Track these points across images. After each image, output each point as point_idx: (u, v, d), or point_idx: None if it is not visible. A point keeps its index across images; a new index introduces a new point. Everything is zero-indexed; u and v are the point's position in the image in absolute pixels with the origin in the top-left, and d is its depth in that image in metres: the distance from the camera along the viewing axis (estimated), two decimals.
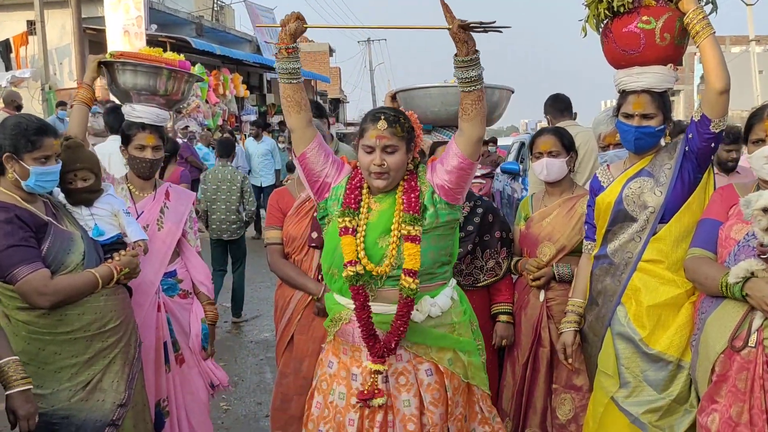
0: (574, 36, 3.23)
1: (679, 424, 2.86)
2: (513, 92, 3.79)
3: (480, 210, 3.63)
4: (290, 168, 12.20)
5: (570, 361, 3.22)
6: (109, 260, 2.93)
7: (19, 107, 9.82)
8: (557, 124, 5.20)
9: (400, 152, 2.69)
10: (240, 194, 7.51)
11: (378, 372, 2.65)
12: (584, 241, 3.32)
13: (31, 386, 2.50)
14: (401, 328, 2.63)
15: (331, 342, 2.88)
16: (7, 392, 2.45)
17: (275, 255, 3.71)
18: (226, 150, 7.89)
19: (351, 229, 2.71)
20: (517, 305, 3.61)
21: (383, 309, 2.68)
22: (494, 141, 14.52)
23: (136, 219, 3.39)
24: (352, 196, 2.76)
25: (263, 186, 12.61)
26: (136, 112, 3.47)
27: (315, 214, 3.61)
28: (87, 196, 3.06)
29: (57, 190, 3.08)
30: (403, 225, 2.66)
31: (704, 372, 2.61)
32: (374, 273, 2.66)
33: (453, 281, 2.87)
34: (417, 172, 2.78)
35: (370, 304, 2.66)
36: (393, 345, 2.64)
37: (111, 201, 3.14)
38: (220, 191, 7.50)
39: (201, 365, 3.59)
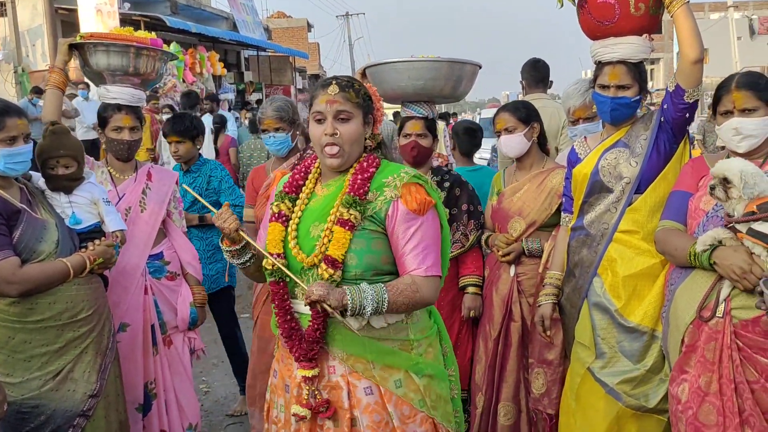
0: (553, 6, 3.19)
1: (653, 393, 2.89)
2: (480, 67, 3.77)
3: (447, 184, 3.64)
4: (253, 130, 12.06)
5: (548, 333, 3.23)
6: (83, 249, 2.88)
7: None
8: (527, 95, 5.18)
9: (355, 121, 2.33)
10: None
11: (306, 378, 2.29)
12: (562, 213, 3.32)
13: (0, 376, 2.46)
14: (317, 331, 2.25)
15: (278, 350, 2.50)
16: None
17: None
18: (254, 127, 9.41)
19: (282, 216, 2.39)
20: (488, 280, 3.62)
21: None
22: (454, 115, 14.74)
23: (118, 202, 3.36)
24: (293, 180, 2.46)
25: None
26: (110, 93, 3.43)
27: None
28: (67, 184, 3.02)
29: (38, 176, 3.04)
30: (340, 208, 2.29)
31: (675, 343, 2.62)
32: (304, 265, 2.29)
33: None
34: (379, 158, 2.40)
35: (292, 302, 2.35)
36: (313, 349, 2.27)
37: (91, 189, 3.10)
38: (253, 158, 8.59)
39: (185, 333, 3.63)
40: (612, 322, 2.96)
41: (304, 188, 2.44)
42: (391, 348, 2.31)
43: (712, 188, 2.46)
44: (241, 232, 2.37)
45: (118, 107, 3.41)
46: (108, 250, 2.96)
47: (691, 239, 2.57)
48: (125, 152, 3.45)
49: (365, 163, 2.35)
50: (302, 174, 2.47)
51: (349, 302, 2.17)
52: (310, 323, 2.26)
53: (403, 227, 2.27)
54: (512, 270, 3.50)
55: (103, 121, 3.44)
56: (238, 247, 2.40)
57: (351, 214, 2.25)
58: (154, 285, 3.45)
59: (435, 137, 3.70)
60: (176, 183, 3.70)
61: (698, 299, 2.51)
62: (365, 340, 2.28)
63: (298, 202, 2.41)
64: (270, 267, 2.34)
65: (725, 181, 2.42)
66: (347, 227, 2.25)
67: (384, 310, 2.21)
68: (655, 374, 2.88)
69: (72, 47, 3.41)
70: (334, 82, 2.36)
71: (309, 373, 2.29)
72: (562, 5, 3.14)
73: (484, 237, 3.65)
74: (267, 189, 3.63)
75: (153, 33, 3.64)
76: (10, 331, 2.74)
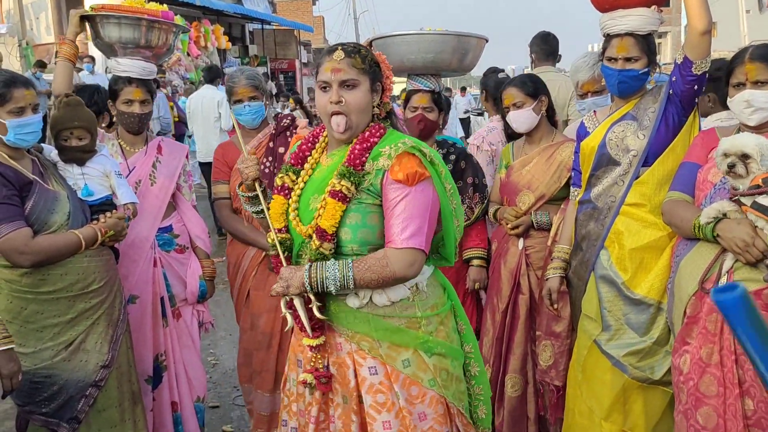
0: None
1: (659, 365, 2.91)
2: (487, 41, 3.76)
3: (453, 157, 3.65)
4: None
5: (555, 306, 3.25)
6: (95, 222, 2.91)
7: None
8: (536, 69, 5.16)
9: (362, 89, 2.23)
10: None
11: (311, 347, 2.28)
12: (571, 187, 3.32)
13: (14, 345, 2.50)
14: (309, 304, 2.22)
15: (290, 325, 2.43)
16: None
17: (225, 210, 3.68)
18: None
19: (285, 188, 2.36)
20: (496, 253, 3.63)
21: None
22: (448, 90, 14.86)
23: (128, 175, 3.37)
24: (299, 151, 2.41)
25: None
26: (121, 66, 3.41)
27: (261, 167, 3.61)
28: (80, 155, 3.03)
29: (50, 148, 3.05)
30: (333, 179, 2.21)
31: (679, 315, 2.63)
32: (303, 236, 2.27)
33: (425, 269, 2.30)
34: (387, 127, 2.31)
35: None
36: (312, 318, 2.24)
37: (103, 162, 3.11)
38: None
39: (194, 306, 3.65)
40: (618, 294, 2.97)
41: (309, 159, 2.38)
42: (398, 326, 2.23)
43: (732, 166, 2.42)
44: (256, 185, 2.42)
45: (129, 80, 3.39)
46: (119, 223, 2.97)
47: (696, 211, 2.57)
48: (136, 125, 3.44)
49: (368, 133, 2.26)
50: (309, 145, 2.42)
51: (306, 281, 2.15)
52: (306, 294, 2.23)
53: (389, 197, 2.19)
54: (521, 243, 3.51)
55: (113, 93, 3.43)
56: (251, 194, 2.45)
57: (342, 185, 2.17)
58: (163, 258, 3.47)
59: (441, 110, 3.70)
60: (186, 157, 3.70)
61: (701, 271, 2.52)
62: (370, 317, 2.22)
63: (302, 173, 2.36)
64: (272, 241, 2.32)
65: (744, 157, 2.41)
66: (338, 198, 2.18)
67: (350, 286, 2.15)
68: (661, 346, 2.90)
69: (83, 19, 3.39)
70: (339, 47, 2.27)
71: (313, 342, 2.27)
72: None
73: (492, 210, 3.66)
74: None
75: (163, 5, 3.62)
76: (23, 301, 2.77)
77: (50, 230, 2.77)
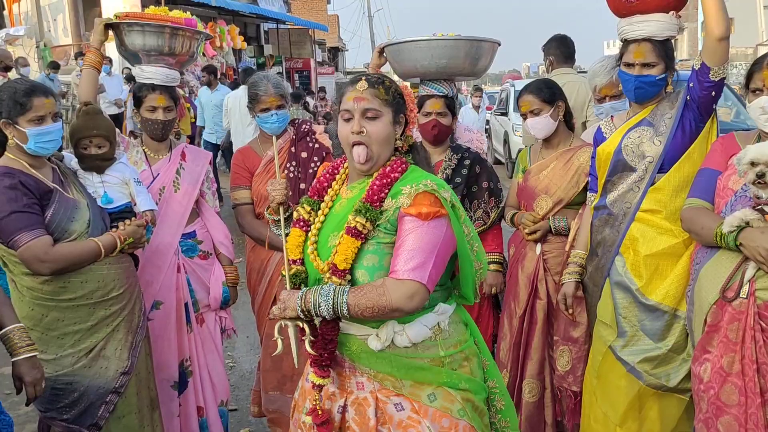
0: None
1: (675, 372, 2.90)
2: (499, 45, 3.75)
3: (467, 161, 3.64)
4: (295, 97, 12.55)
5: (570, 311, 3.25)
6: (114, 229, 2.93)
7: (7, 68, 9.65)
8: (555, 71, 5.14)
9: (384, 120, 2.20)
10: None
11: (316, 386, 2.22)
12: (588, 192, 3.32)
13: (37, 353, 2.54)
14: (328, 345, 2.16)
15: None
16: (13, 359, 2.49)
17: (248, 215, 3.68)
18: (296, 98, 10.45)
19: (301, 221, 2.33)
20: (514, 258, 3.63)
21: None
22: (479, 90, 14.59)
23: (152, 181, 3.40)
24: (318, 183, 2.38)
25: (218, 143, 11.07)
26: (145, 73, 3.45)
27: (286, 172, 3.61)
28: (99, 163, 3.07)
29: (70, 157, 3.09)
30: (350, 215, 2.16)
31: (699, 322, 2.63)
32: (319, 272, 2.21)
33: (443, 308, 2.23)
34: (410, 162, 2.26)
35: None
36: (322, 355, 2.18)
37: (122, 169, 3.15)
38: None
39: (217, 312, 3.66)
40: (633, 300, 2.97)
41: (329, 190, 2.35)
42: (421, 364, 2.17)
43: (761, 176, 2.39)
44: (281, 209, 2.46)
45: (153, 87, 3.43)
46: (138, 230, 3.00)
47: (717, 219, 2.56)
48: (159, 132, 3.47)
49: (389, 168, 2.20)
50: (328, 176, 2.39)
51: (298, 304, 2.12)
52: (319, 329, 2.18)
53: (401, 230, 2.12)
54: (538, 248, 3.50)
55: (137, 100, 3.46)
56: (277, 217, 2.47)
57: (357, 221, 2.12)
58: (186, 264, 3.49)
59: (454, 115, 3.70)
60: (210, 163, 3.72)
61: (722, 279, 2.51)
62: (392, 357, 2.16)
63: (322, 205, 2.32)
64: (287, 273, 2.28)
65: (753, 165, 2.40)
66: (352, 235, 2.13)
67: (344, 312, 2.07)
68: (677, 354, 2.89)
69: (108, 27, 3.43)
70: (363, 78, 2.25)
71: (318, 381, 2.21)
72: None
73: (509, 215, 3.66)
74: (270, 163, 3.63)
75: (187, 12, 3.63)
76: (44, 309, 2.81)
77: (70, 238, 2.81)
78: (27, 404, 2.59)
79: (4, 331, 2.48)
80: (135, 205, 3.15)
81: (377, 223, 2.14)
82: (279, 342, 2.22)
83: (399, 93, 2.28)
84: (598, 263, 3.14)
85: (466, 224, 2.21)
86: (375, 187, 2.17)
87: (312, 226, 2.30)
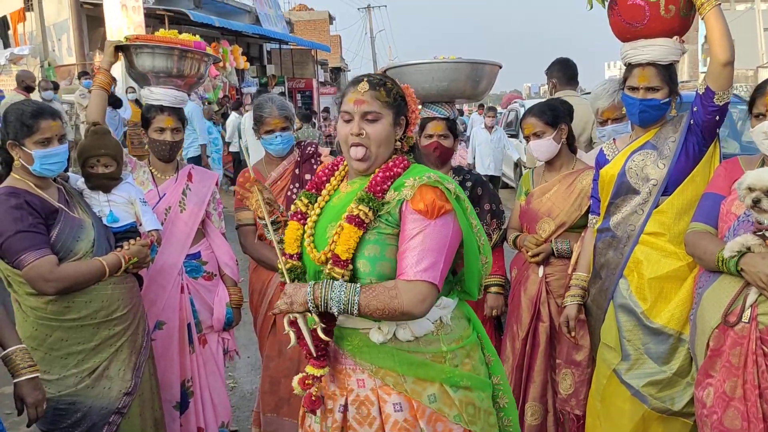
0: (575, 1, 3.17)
1: (679, 396, 2.89)
2: (500, 67, 3.77)
3: (469, 183, 3.65)
4: (305, 117, 13.58)
5: (573, 334, 3.24)
6: (119, 249, 2.94)
7: (29, 88, 9.72)
8: (558, 93, 5.16)
9: (384, 122, 2.19)
10: None
11: (314, 377, 2.21)
12: (590, 215, 3.32)
13: (38, 374, 2.53)
14: (327, 334, 2.16)
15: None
16: (15, 380, 2.48)
17: (250, 236, 3.68)
18: (306, 117, 11.44)
19: (299, 214, 2.32)
20: (516, 280, 3.63)
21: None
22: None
23: (158, 201, 3.42)
24: (316, 178, 2.39)
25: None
26: (154, 95, 3.49)
27: (288, 193, 3.61)
28: (106, 183, 3.10)
29: (76, 177, 3.11)
30: (352, 204, 2.16)
31: (701, 346, 2.62)
32: (316, 263, 2.20)
33: (445, 301, 2.24)
34: (410, 161, 2.25)
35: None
36: (319, 348, 2.19)
37: (128, 189, 3.18)
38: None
39: (219, 333, 3.67)
40: (638, 324, 2.96)
41: (327, 185, 2.34)
42: (423, 360, 2.16)
43: (756, 201, 2.41)
44: (266, 216, 2.42)
45: (161, 108, 3.47)
46: (143, 250, 3.01)
47: (720, 243, 2.56)
48: (167, 153, 3.50)
49: (391, 163, 2.21)
50: (327, 172, 2.39)
51: (309, 298, 2.09)
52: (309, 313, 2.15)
53: (407, 228, 2.11)
54: (541, 270, 3.51)
55: (146, 121, 3.50)
56: (263, 222, 2.45)
57: (360, 209, 2.11)
58: (190, 284, 3.51)
59: (456, 137, 3.71)
60: (216, 184, 3.74)
61: (725, 304, 2.51)
62: (394, 351, 2.15)
63: (319, 199, 2.32)
64: (283, 267, 2.26)
65: (751, 191, 2.41)
66: (355, 223, 2.11)
67: (353, 311, 2.07)
68: (681, 377, 2.89)
69: (118, 49, 3.47)
70: (365, 79, 2.24)
71: (317, 372, 2.20)
72: (591, 7, 3.14)
73: (512, 237, 3.66)
74: (273, 185, 3.64)
75: (182, 33, 3.67)
76: (48, 329, 2.81)
77: (75, 257, 2.82)
78: (28, 425, 2.58)
79: (6, 351, 2.49)
80: (140, 225, 3.16)
81: (379, 213, 2.14)
82: (291, 335, 2.21)
83: (401, 95, 2.27)
84: (602, 286, 3.13)
85: (472, 216, 2.21)
86: (378, 178, 2.17)
87: (308, 219, 2.29)
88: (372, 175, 2.22)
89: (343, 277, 2.12)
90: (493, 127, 12.48)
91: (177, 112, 3.51)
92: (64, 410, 2.81)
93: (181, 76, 3.48)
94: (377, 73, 2.35)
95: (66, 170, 3.05)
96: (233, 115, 14.00)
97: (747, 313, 2.46)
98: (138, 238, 3.07)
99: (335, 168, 2.40)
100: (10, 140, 2.77)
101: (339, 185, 2.34)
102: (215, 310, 3.59)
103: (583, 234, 3.42)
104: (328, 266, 2.14)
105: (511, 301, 3.64)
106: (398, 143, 2.27)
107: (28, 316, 2.81)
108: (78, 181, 3.10)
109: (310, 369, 2.22)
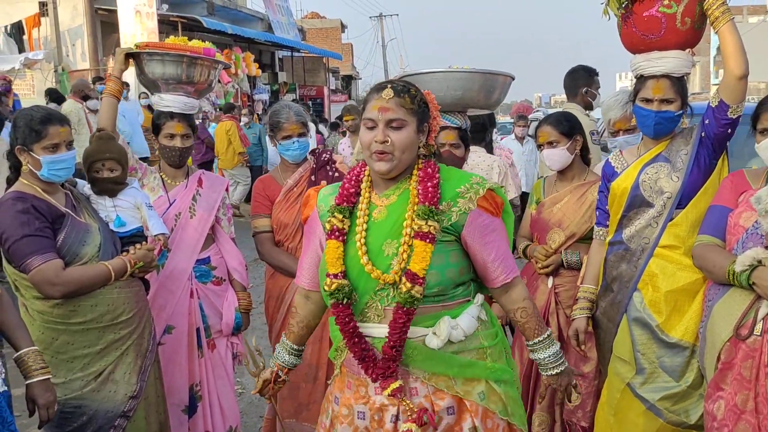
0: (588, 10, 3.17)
1: (694, 409, 2.87)
2: (513, 79, 3.77)
3: None
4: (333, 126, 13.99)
5: (582, 347, 3.23)
6: (125, 253, 2.96)
7: (86, 97, 9.83)
8: (565, 105, 5.16)
9: (408, 129, 2.18)
10: None
11: (395, 391, 2.17)
12: (595, 227, 3.29)
13: (50, 376, 2.54)
14: (394, 348, 2.14)
15: (337, 375, 2.40)
16: (27, 381, 2.49)
17: (267, 243, 3.69)
18: (334, 126, 11.57)
19: (340, 231, 2.25)
20: None
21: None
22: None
23: (168, 207, 3.44)
24: (343, 190, 2.31)
25: None
26: (164, 101, 3.51)
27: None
28: (112, 187, 3.11)
29: (83, 183, 3.13)
30: (415, 220, 2.16)
31: (711, 359, 2.61)
32: (381, 281, 2.17)
33: (480, 297, 2.33)
34: (435, 163, 2.28)
35: (360, 324, 2.22)
36: (390, 367, 2.17)
37: (134, 194, 3.19)
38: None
39: (228, 338, 3.67)
40: (652, 337, 2.94)
41: (360, 198, 2.30)
42: (470, 360, 2.22)
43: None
44: None
45: (171, 115, 3.48)
46: (149, 254, 3.02)
47: (729, 257, 2.55)
48: (177, 159, 3.51)
49: (429, 169, 2.23)
50: (353, 183, 2.33)
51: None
52: (387, 340, 2.15)
53: (482, 236, 2.21)
54: (550, 281, 3.50)
55: (156, 128, 3.51)
56: None
57: (430, 226, 2.13)
58: (200, 289, 3.51)
59: (467, 147, 3.71)
60: (226, 190, 3.75)
61: (736, 317, 2.50)
62: (446, 356, 2.19)
63: (359, 213, 2.26)
64: (329, 288, 2.21)
65: None
66: (428, 240, 2.14)
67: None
68: (695, 390, 2.87)
69: (128, 56, 3.49)
70: (389, 86, 2.22)
71: (395, 385, 2.17)
72: (609, 18, 3.13)
73: (522, 246, 3.65)
74: (290, 191, 3.65)
75: (193, 41, 3.69)
76: (54, 332, 2.82)
77: (81, 262, 2.83)
78: (39, 427, 2.59)
79: (19, 353, 2.50)
80: (147, 229, 3.17)
81: (443, 225, 2.19)
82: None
83: (424, 101, 2.26)
84: (614, 299, 3.10)
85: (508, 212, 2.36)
86: (429, 189, 2.19)
87: (354, 236, 2.24)
88: (410, 184, 2.24)
89: (421, 294, 2.13)
90: (524, 138, 11.05)
91: (187, 119, 3.52)
92: (69, 413, 2.81)
93: (190, 83, 3.50)
94: (400, 80, 2.34)
95: (75, 175, 3.07)
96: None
97: (759, 326, 2.45)
98: (144, 242, 3.08)
99: (359, 177, 2.35)
100: (18, 145, 2.79)
101: (370, 197, 2.31)
102: (224, 315, 3.60)
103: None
104: (405, 285, 2.12)
105: None
106: (421, 149, 2.27)
107: (35, 319, 2.82)
108: (85, 186, 3.12)
109: (387, 391, 2.19)
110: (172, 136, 3.47)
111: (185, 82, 3.48)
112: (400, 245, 2.17)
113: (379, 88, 2.25)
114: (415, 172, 2.26)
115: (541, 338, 2.31)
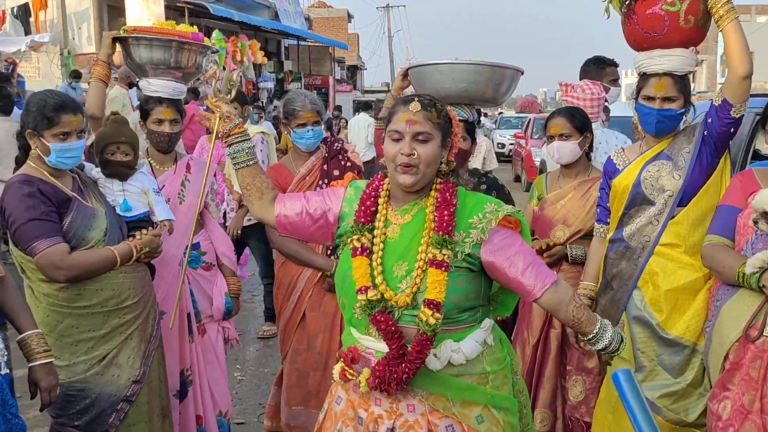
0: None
1: (693, 407, 2.88)
2: (522, 73, 3.78)
3: (484, 186, 3.63)
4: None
5: (581, 344, 3.24)
6: (131, 238, 2.97)
7: (131, 84, 9.88)
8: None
9: (434, 143, 2.20)
10: None
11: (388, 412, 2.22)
12: (596, 224, 3.29)
13: (53, 359, 2.55)
14: (408, 373, 2.14)
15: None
16: (30, 364, 2.51)
17: None
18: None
19: (365, 249, 2.25)
20: None
21: None
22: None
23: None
24: (365, 207, 2.31)
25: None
26: (152, 86, 3.48)
27: (318, 189, 3.60)
28: (123, 171, 3.11)
29: (91, 166, 3.13)
30: (430, 248, 2.17)
31: (717, 359, 2.62)
32: (392, 302, 2.18)
33: (488, 322, 2.32)
34: (453, 183, 2.29)
35: (371, 339, 2.24)
36: (393, 386, 2.15)
37: (142, 179, 3.19)
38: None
39: (219, 322, 3.68)
40: (652, 335, 2.95)
41: (378, 215, 2.30)
42: (469, 383, 2.22)
43: (755, 222, 2.46)
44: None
45: (160, 100, 3.46)
46: (155, 240, 3.03)
47: (739, 258, 2.56)
48: (165, 144, 3.50)
49: (447, 194, 2.23)
50: (372, 199, 2.32)
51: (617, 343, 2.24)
52: (413, 346, 2.15)
53: (504, 258, 2.20)
54: None
55: (144, 113, 3.50)
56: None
57: (445, 254, 2.15)
58: (189, 274, 3.50)
59: (474, 140, 3.72)
60: (214, 176, 3.75)
61: (745, 318, 2.50)
62: (446, 377, 2.20)
63: (377, 232, 2.27)
64: (365, 299, 2.19)
65: (766, 215, 2.43)
66: (443, 268, 2.14)
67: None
68: (695, 388, 2.88)
69: (116, 40, 3.47)
70: (416, 99, 2.24)
71: (366, 374, 2.19)
72: (609, 16, 3.14)
73: None
74: (302, 180, 3.66)
75: (194, 27, 3.68)
76: (59, 315, 2.83)
77: (87, 246, 2.83)
78: (41, 410, 2.60)
79: (22, 336, 2.51)
80: (153, 214, 3.18)
81: (455, 252, 2.18)
82: None
83: (448, 117, 2.28)
84: (614, 296, 3.11)
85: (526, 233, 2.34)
86: (445, 217, 2.19)
87: (374, 255, 2.25)
88: (427, 206, 2.25)
89: (439, 320, 2.13)
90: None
91: (175, 104, 3.50)
92: (73, 396, 2.83)
93: (178, 68, 3.46)
94: (425, 95, 2.35)
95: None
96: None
97: None
98: (150, 227, 3.09)
99: (377, 192, 2.34)
100: (29, 129, 2.78)
101: (387, 213, 2.31)
102: (214, 300, 3.61)
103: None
104: (425, 312, 2.13)
105: (522, 306, 3.61)
106: (443, 166, 2.29)
107: (40, 302, 2.83)
108: (93, 170, 3.12)
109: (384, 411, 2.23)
110: (160, 122, 3.45)
111: (173, 66, 3.44)
112: (412, 269, 2.19)
113: (406, 101, 2.26)
114: (433, 192, 2.27)
115: (598, 326, 2.24)
